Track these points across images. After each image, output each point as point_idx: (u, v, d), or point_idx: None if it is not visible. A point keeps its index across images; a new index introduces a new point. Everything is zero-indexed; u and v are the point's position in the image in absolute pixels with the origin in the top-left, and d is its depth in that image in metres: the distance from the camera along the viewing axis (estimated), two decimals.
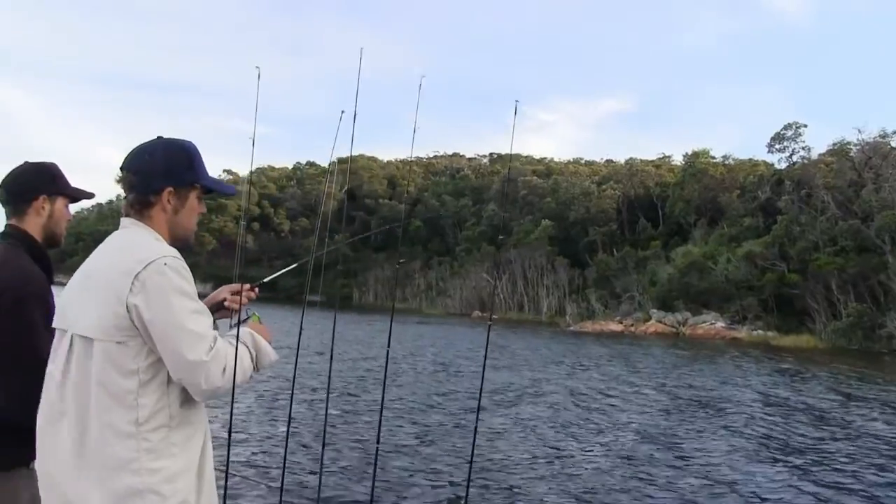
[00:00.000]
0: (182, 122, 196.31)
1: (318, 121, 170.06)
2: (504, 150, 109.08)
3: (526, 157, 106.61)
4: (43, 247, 2.64)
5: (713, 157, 64.88)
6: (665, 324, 46.19)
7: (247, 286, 2.42)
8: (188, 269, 1.95)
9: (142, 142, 2.12)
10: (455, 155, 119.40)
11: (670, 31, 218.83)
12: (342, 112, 3.36)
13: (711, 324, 44.51)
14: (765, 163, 60.12)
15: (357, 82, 3.43)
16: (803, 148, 52.91)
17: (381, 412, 4.17)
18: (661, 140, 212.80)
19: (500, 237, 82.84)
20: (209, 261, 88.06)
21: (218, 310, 2.33)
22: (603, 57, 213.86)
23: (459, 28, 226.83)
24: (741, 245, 48.57)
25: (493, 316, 62.93)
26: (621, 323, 49.20)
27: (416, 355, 24.90)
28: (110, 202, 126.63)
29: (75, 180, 2.77)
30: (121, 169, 2.08)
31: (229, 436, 2.82)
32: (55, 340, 1.99)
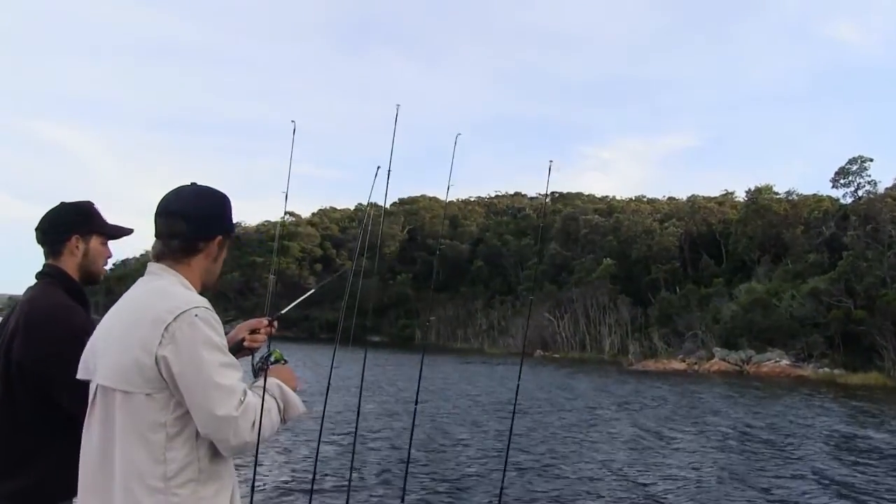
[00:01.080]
0: (235, 164, 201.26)
1: (383, 162, 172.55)
2: (566, 189, 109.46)
3: (588, 195, 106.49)
4: (79, 284, 2.68)
5: (776, 193, 63.93)
6: (728, 362, 45.61)
7: (264, 322, 2.41)
8: (219, 319, 1.93)
9: (178, 186, 2.15)
10: (517, 194, 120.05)
11: (734, 66, 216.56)
12: (378, 168, 3.35)
13: (776, 361, 43.77)
14: (829, 198, 58.98)
15: (392, 137, 3.45)
16: (869, 182, 51.92)
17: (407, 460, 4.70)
18: (724, 176, 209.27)
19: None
20: (273, 303, 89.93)
21: (238, 350, 2.30)
22: (665, 93, 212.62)
23: (520, 66, 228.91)
24: (806, 281, 47.68)
25: (555, 355, 63.09)
26: (684, 361, 48.70)
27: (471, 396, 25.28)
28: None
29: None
30: (161, 214, 2.06)
31: (252, 489, 3.04)
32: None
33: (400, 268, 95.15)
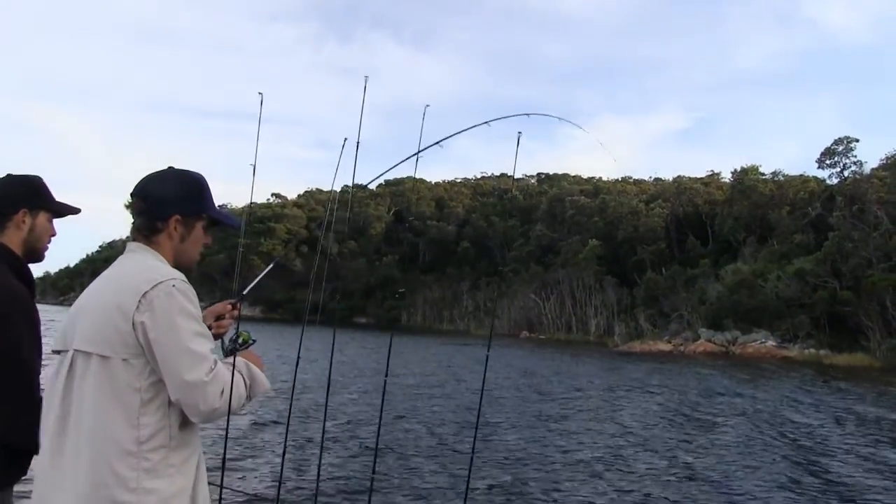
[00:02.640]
0: (223, 146, 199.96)
1: (370, 143, 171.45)
2: (552, 170, 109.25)
3: (574, 176, 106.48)
4: (23, 261, 2.56)
5: (762, 174, 63.88)
6: (714, 343, 45.61)
7: (228, 306, 2.43)
8: (194, 292, 1.99)
9: (155, 170, 2.20)
10: (503, 176, 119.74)
11: (722, 48, 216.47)
12: (345, 139, 3.32)
13: (762, 342, 43.81)
14: (816, 178, 59.02)
15: (361, 111, 3.43)
16: (855, 163, 51.85)
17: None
18: (710, 157, 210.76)
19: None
20: (259, 284, 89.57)
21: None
22: (653, 75, 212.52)
23: (508, 47, 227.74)
24: (792, 262, 47.70)
25: (541, 336, 63.04)
26: (670, 342, 48.69)
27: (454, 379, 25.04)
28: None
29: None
30: (131, 195, 2.16)
31: (223, 462, 2.94)
32: (56, 363, 1.99)
33: (386, 249, 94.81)
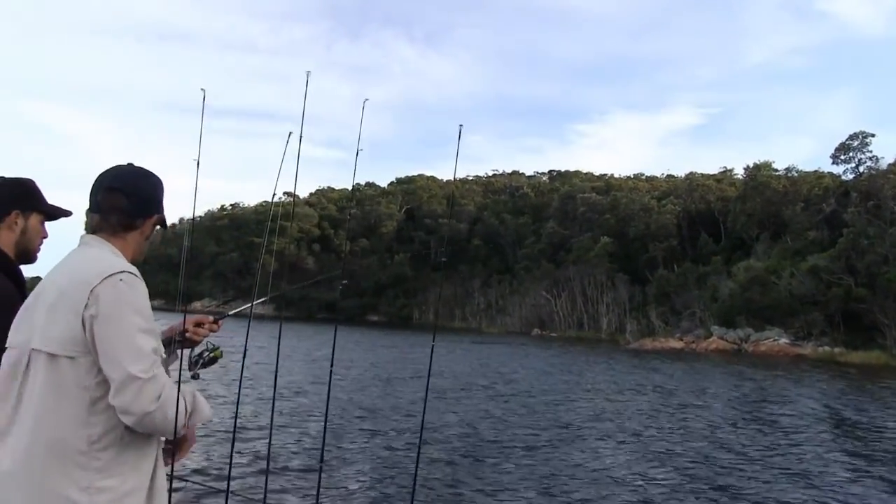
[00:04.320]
0: (234, 146, 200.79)
1: (381, 143, 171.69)
2: (564, 167, 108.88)
3: (586, 173, 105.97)
4: (14, 262, 2.56)
5: (776, 170, 63.29)
6: (727, 340, 45.24)
7: (210, 319, 2.41)
8: (145, 289, 1.96)
9: (118, 164, 2.17)
10: (514, 173, 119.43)
11: (735, 42, 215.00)
12: (289, 133, 3.22)
13: (775, 340, 43.40)
14: (830, 174, 58.30)
15: (303, 106, 3.36)
16: (871, 158, 51.38)
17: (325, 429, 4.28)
18: (723, 154, 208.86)
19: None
20: (269, 282, 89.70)
21: (181, 341, 2.32)
22: (665, 71, 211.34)
23: (520, 45, 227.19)
24: (805, 259, 47.20)
25: (553, 334, 62.76)
26: (682, 340, 48.36)
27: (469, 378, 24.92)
28: (173, 226, 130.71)
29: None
30: (104, 187, 2.09)
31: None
32: (5, 357, 1.97)
33: (398, 247, 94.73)
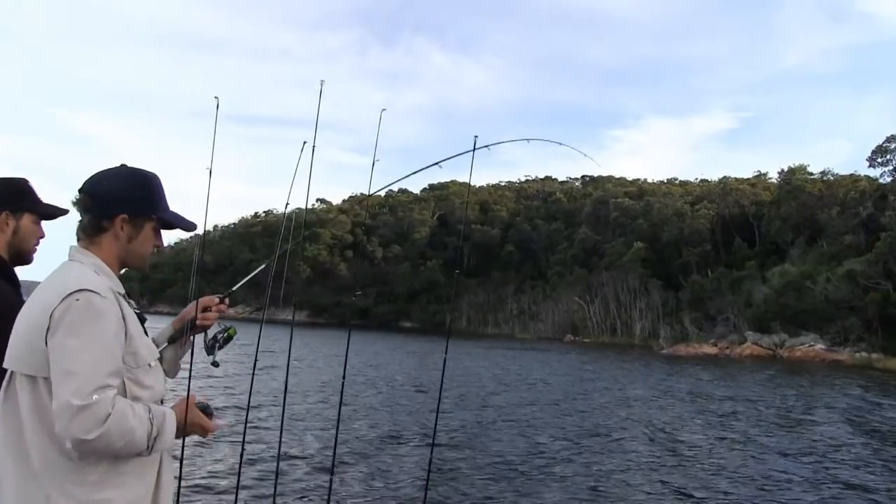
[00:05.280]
0: (267, 152, 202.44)
1: (413, 149, 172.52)
2: (596, 172, 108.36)
3: (618, 178, 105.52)
4: (8, 263, 2.53)
5: (811, 174, 62.57)
6: (761, 346, 44.92)
7: (216, 300, 2.39)
8: (109, 304, 1.87)
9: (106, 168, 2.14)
10: (547, 178, 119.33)
11: (770, 45, 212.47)
12: (304, 143, 3.28)
13: (810, 346, 43.00)
14: (867, 177, 57.53)
15: (317, 115, 3.38)
16: None
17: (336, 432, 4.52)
18: (758, 158, 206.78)
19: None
20: (304, 289, 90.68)
21: (192, 328, 2.31)
22: (698, 75, 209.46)
23: (552, 50, 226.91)
24: (841, 264, 46.68)
25: (585, 340, 62.61)
26: (716, 345, 48.10)
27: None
28: (207, 233, 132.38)
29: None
30: (79, 191, 2.06)
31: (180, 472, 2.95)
32: None
33: (430, 253, 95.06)
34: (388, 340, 50.06)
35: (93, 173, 2.11)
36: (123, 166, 2.14)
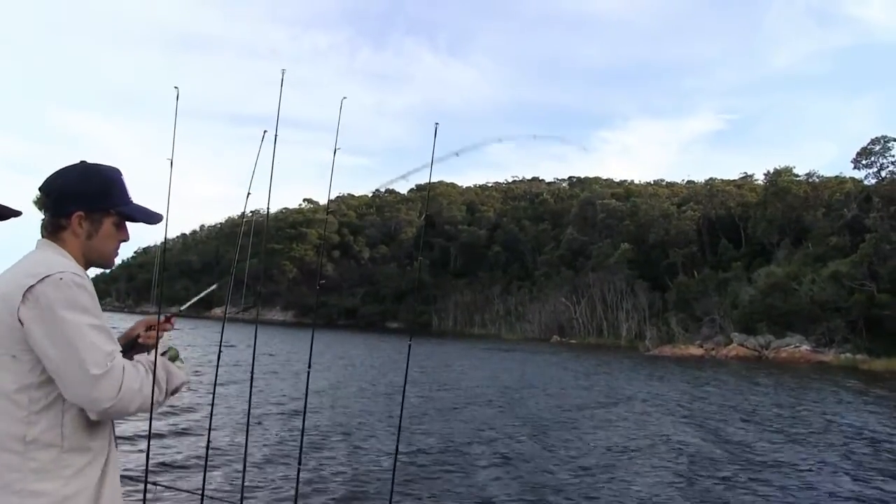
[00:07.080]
0: (255, 152, 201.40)
1: (401, 150, 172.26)
2: (584, 174, 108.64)
3: (605, 179, 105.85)
4: None
5: (797, 175, 62.81)
6: (747, 347, 44.91)
7: (161, 318, 2.33)
8: (91, 285, 1.92)
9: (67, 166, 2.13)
10: (534, 179, 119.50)
11: (757, 47, 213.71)
12: (264, 132, 3.33)
13: (796, 347, 43.01)
14: (852, 179, 57.76)
15: (279, 103, 3.36)
16: (893, 163, 50.65)
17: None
18: (744, 160, 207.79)
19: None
20: (290, 289, 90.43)
21: (132, 348, 2.24)
22: (686, 77, 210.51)
23: (542, 51, 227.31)
24: (827, 265, 46.79)
25: (572, 341, 62.58)
26: (702, 347, 48.09)
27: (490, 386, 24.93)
28: (194, 232, 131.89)
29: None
30: (39, 190, 2.08)
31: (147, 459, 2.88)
32: None
33: (417, 254, 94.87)
34: (379, 339, 49.76)
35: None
36: (83, 163, 2.13)
